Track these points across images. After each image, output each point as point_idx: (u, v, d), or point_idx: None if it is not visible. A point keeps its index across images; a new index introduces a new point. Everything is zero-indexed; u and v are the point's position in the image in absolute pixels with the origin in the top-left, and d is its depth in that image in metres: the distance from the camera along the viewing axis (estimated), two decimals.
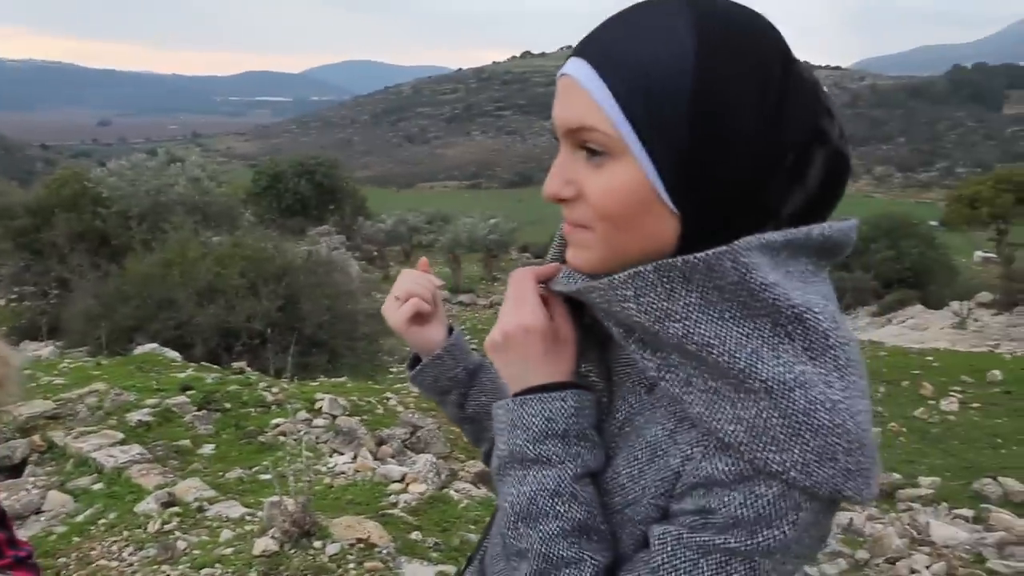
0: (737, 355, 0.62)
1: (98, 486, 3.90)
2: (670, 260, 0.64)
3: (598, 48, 0.66)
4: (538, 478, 0.71)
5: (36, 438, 4.35)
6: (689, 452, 0.67)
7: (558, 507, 0.70)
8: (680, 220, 0.65)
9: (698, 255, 0.63)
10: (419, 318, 0.93)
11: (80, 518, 3.58)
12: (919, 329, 15.33)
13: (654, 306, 0.65)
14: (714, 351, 0.62)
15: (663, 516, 0.69)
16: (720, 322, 0.63)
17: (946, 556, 4.40)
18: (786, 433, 0.60)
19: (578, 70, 0.67)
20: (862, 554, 4.53)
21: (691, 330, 0.63)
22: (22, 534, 3.49)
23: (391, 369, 10.12)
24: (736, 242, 0.62)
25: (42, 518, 3.65)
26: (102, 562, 3.18)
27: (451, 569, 3.16)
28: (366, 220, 24.53)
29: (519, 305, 0.77)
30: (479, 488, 4.26)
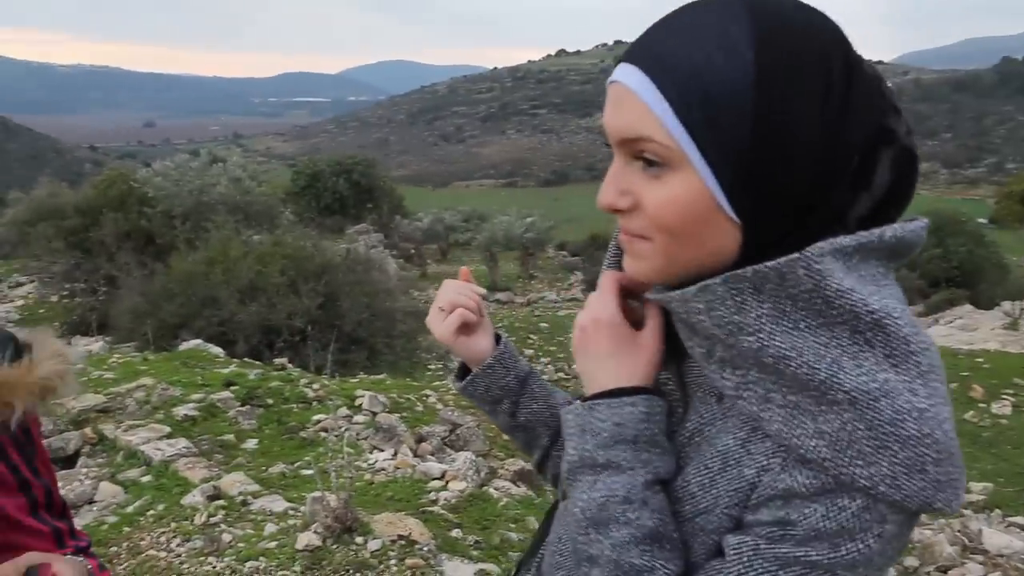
0: (817, 366, 0.60)
1: (147, 478, 3.99)
2: (739, 272, 0.62)
3: (650, 53, 0.64)
4: (608, 484, 0.71)
5: (88, 430, 4.46)
6: (765, 463, 0.65)
7: (629, 514, 0.69)
8: (741, 229, 0.63)
9: (768, 264, 0.61)
10: (465, 328, 0.93)
11: (130, 509, 3.66)
12: (968, 330, 14.89)
13: (725, 320, 0.63)
14: (792, 363, 0.60)
15: (736, 526, 0.67)
16: (796, 332, 0.61)
17: (1001, 566, 4.26)
18: (873, 446, 0.58)
19: (630, 77, 0.64)
20: (911, 561, 4.41)
21: (766, 343, 0.61)
22: (77, 523, 3.59)
23: (429, 366, 10.18)
24: (808, 248, 0.60)
25: (94, 508, 3.74)
26: (151, 552, 3.25)
27: (492, 567, 3.16)
28: (403, 219, 24.72)
29: (594, 300, 0.78)
30: (519, 486, 4.26)
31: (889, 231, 0.64)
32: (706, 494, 0.69)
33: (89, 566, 1.03)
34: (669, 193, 0.64)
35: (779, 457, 0.64)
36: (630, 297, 0.80)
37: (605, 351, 0.75)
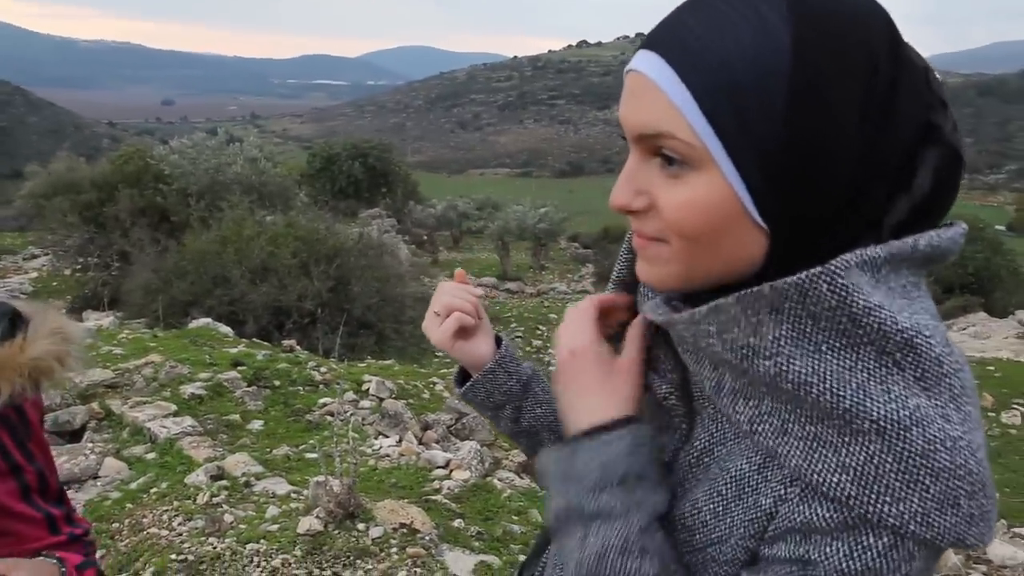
0: (841, 392, 0.54)
1: (151, 455, 4.00)
2: (755, 289, 0.56)
3: (673, 40, 0.57)
4: (602, 534, 0.65)
5: (95, 405, 4.47)
6: (783, 492, 0.60)
7: (629, 565, 0.64)
8: (769, 235, 0.57)
9: (788, 280, 0.55)
10: (463, 332, 0.89)
11: (133, 485, 3.67)
12: (981, 337, 14.74)
13: (739, 343, 0.57)
14: (813, 390, 0.55)
15: (752, 559, 0.63)
16: (817, 355, 0.55)
17: None
18: (903, 480, 0.53)
19: (651, 66, 0.58)
20: None
21: (784, 367, 0.56)
22: (80, 497, 3.59)
23: (437, 354, 10.18)
24: (833, 262, 0.55)
25: (99, 483, 3.75)
26: (152, 530, 3.25)
27: (493, 559, 3.14)
28: (417, 204, 24.70)
29: (566, 330, 0.74)
30: (522, 478, 4.24)
31: (923, 240, 0.58)
32: (719, 523, 0.64)
33: (63, 568, 0.98)
34: (690, 195, 0.58)
35: (797, 487, 0.59)
36: (618, 315, 0.75)
37: (585, 384, 0.70)
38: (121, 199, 12.75)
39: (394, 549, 3.07)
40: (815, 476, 0.56)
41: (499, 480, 4.11)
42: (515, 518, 3.63)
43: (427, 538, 3.16)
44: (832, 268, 0.55)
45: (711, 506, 0.65)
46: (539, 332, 12.60)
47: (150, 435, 4.18)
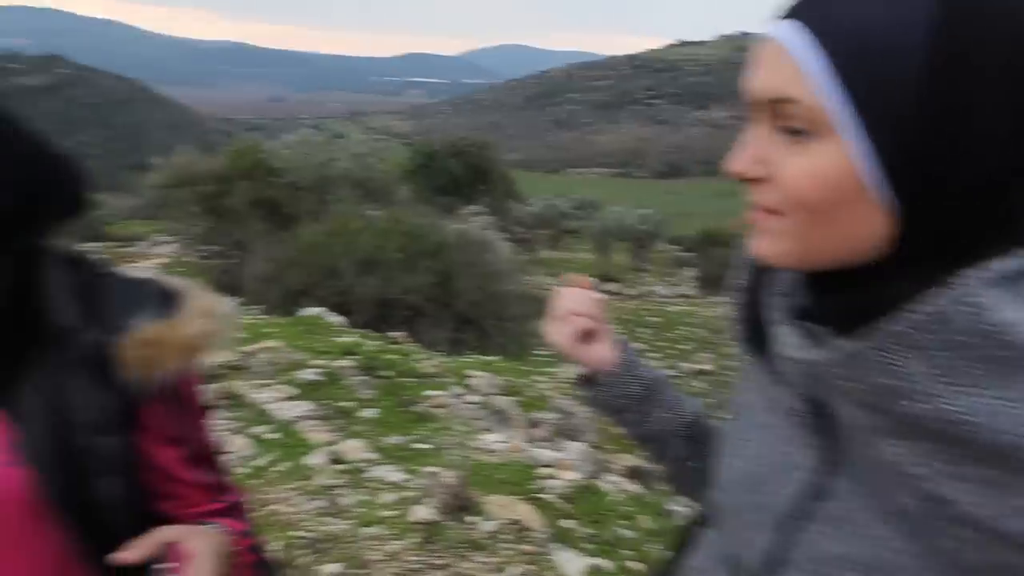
0: (1000, 427, 0.49)
1: (273, 436, 4.17)
2: (888, 328, 0.52)
3: (814, 9, 0.56)
4: None
5: (221, 385, 4.72)
6: (961, 534, 0.54)
7: None
8: (892, 217, 0.54)
9: (919, 310, 0.51)
10: (585, 336, 0.90)
11: (258, 463, 3.84)
12: None
13: (881, 386, 0.53)
14: (971, 428, 0.50)
15: None
16: (968, 390, 0.51)
17: None
18: None
19: (786, 33, 0.56)
20: None
21: (931, 408, 0.51)
22: None
23: (539, 352, 10.20)
24: (963, 280, 0.51)
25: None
26: (276, 507, 3.39)
27: (605, 563, 3.10)
28: (515, 203, 24.86)
29: None
30: (632, 483, 4.17)
31: None
32: (915, 562, 0.57)
33: (230, 537, 1.00)
34: (812, 164, 0.55)
35: (970, 529, 0.53)
36: None
37: None
38: (237, 191, 13.43)
39: (506, 545, 3.08)
40: (990, 522, 0.51)
41: (607, 483, 4.06)
42: (625, 523, 3.57)
43: (539, 536, 3.16)
44: (964, 288, 0.51)
45: (899, 543, 0.57)
46: (638, 335, 12.45)
47: (272, 417, 4.37)
